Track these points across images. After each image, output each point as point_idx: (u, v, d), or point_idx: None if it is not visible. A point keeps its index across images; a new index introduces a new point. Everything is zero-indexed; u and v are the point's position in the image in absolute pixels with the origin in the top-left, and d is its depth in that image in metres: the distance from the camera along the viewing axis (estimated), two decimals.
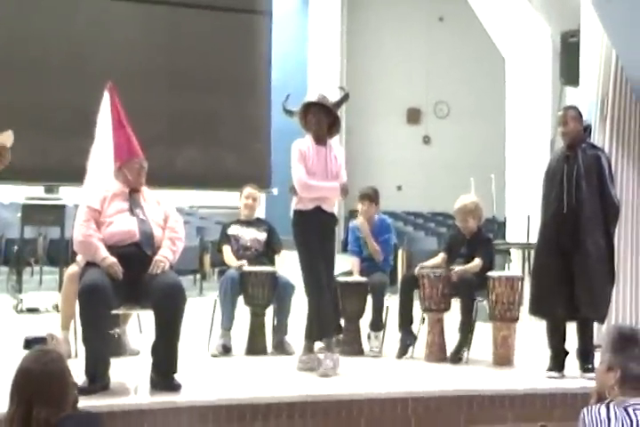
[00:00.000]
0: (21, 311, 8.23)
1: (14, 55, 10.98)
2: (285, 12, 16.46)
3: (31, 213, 9.23)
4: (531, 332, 6.39)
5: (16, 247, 9.85)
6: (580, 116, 5.66)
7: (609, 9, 6.45)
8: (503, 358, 5.96)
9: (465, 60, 16.87)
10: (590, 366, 5.36)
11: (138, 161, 5.25)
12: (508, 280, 6.09)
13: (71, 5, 11.49)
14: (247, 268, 6.29)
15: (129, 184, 5.20)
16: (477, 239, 6.34)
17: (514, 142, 10.15)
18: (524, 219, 9.03)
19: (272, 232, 6.68)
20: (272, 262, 6.53)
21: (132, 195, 5.17)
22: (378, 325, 6.38)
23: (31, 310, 8.22)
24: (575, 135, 5.57)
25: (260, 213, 8.09)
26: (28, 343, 5.35)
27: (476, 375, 5.58)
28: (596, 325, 5.84)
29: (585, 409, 3.02)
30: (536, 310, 5.64)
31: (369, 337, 6.40)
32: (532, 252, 6.80)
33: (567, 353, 5.55)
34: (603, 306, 5.49)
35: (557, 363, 5.51)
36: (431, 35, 17.30)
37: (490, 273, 6.14)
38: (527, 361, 5.96)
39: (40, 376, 2.98)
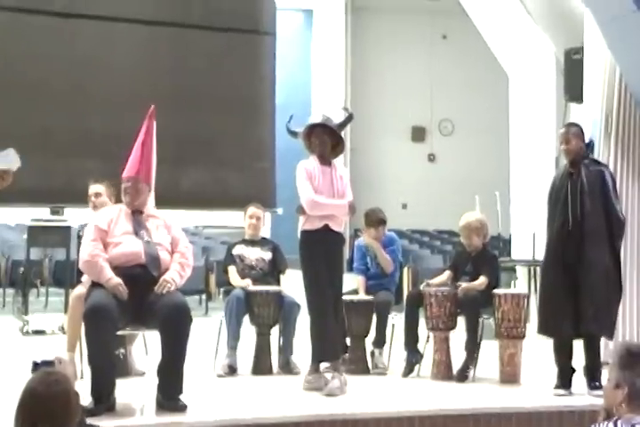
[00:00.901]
0: (27, 333, 8.24)
1: (19, 77, 11.06)
2: (289, 32, 16.57)
3: (37, 234, 9.26)
4: (537, 349, 6.37)
5: (22, 269, 9.87)
6: (582, 132, 5.69)
7: (612, 26, 6.50)
8: (510, 375, 5.95)
9: (469, 78, 16.92)
10: (598, 384, 5.35)
11: (127, 180, 5.21)
12: (514, 297, 6.09)
13: (74, 27, 11.57)
14: (253, 287, 6.30)
15: (127, 205, 5.22)
16: (483, 257, 6.34)
17: (518, 160, 10.18)
18: (529, 236, 9.03)
19: (277, 251, 6.69)
20: (277, 282, 6.54)
21: (136, 216, 5.18)
22: (381, 342, 6.40)
23: (37, 332, 8.22)
24: (577, 152, 5.59)
25: (266, 232, 8.11)
26: (36, 367, 5.34)
27: (483, 393, 5.57)
28: (603, 341, 5.83)
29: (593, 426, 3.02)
30: (544, 328, 5.64)
31: (372, 354, 6.41)
32: (538, 269, 6.81)
33: (574, 371, 5.54)
34: (608, 322, 5.48)
35: (565, 380, 5.50)
36: (435, 53, 17.36)
37: (496, 290, 6.15)
38: (534, 379, 5.94)
39: (45, 398, 2.98)
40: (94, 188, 6.24)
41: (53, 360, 3.75)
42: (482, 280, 6.15)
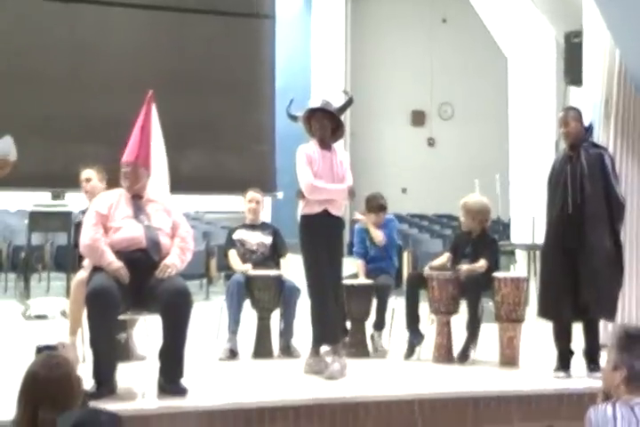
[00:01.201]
0: (30, 318, 8.26)
1: (19, 65, 11.02)
2: (289, 15, 16.50)
3: (38, 219, 9.25)
4: (537, 332, 6.39)
5: (23, 254, 9.89)
6: (581, 115, 5.68)
7: (611, 8, 6.47)
8: (509, 358, 5.97)
9: (468, 62, 16.87)
10: (596, 366, 5.38)
11: (126, 165, 5.20)
12: (514, 281, 6.10)
13: (73, 12, 11.53)
14: (253, 272, 6.31)
15: (126, 189, 5.22)
16: (483, 240, 6.35)
17: (518, 143, 10.16)
18: (528, 220, 9.03)
19: (277, 236, 6.70)
20: (278, 266, 6.55)
21: (136, 201, 5.18)
22: (381, 324, 6.44)
23: (39, 317, 8.24)
24: (577, 135, 5.59)
25: (266, 216, 8.11)
26: (39, 351, 5.36)
27: (483, 376, 5.60)
28: (602, 324, 5.85)
29: (591, 408, 3.04)
30: (544, 312, 5.66)
31: (372, 337, 6.44)
32: (538, 253, 6.82)
33: (573, 353, 5.56)
34: (610, 305, 5.50)
35: (564, 363, 5.52)
36: (434, 36, 17.29)
37: (495, 274, 6.16)
38: (533, 361, 5.97)
39: (45, 380, 3.00)
40: (85, 173, 6.27)
41: (56, 345, 3.77)
42: (482, 263, 6.15)
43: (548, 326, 5.70)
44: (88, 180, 6.20)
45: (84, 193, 6.32)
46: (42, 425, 2.93)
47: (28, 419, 2.96)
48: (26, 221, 9.64)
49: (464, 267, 6.15)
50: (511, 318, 6.02)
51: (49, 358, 3.12)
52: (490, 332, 6.17)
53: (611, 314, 5.55)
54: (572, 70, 8.46)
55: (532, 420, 4.90)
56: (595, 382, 4.89)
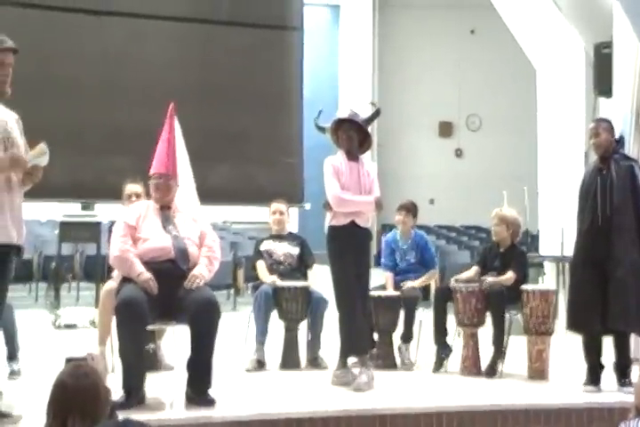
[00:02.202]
0: (59, 327, 8.32)
1: (50, 76, 11.11)
2: (316, 27, 16.54)
3: (68, 230, 9.33)
4: (566, 345, 6.34)
5: (54, 264, 9.98)
6: (612, 127, 5.64)
7: None
8: (538, 371, 5.92)
9: (497, 73, 16.81)
10: (628, 381, 5.32)
11: (158, 177, 5.24)
12: (543, 294, 6.06)
13: (104, 26, 11.62)
14: (281, 283, 6.31)
15: (156, 201, 5.25)
16: (511, 253, 6.33)
17: (546, 155, 10.10)
18: (557, 232, 8.96)
19: (304, 246, 6.70)
20: (305, 277, 6.55)
21: (164, 211, 5.21)
22: (408, 336, 6.42)
23: (69, 326, 8.30)
24: (607, 147, 5.54)
25: (293, 227, 8.10)
26: (69, 363, 5.39)
27: (511, 389, 5.55)
28: (633, 338, 5.78)
29: (622, 424, 3.00)
30: (573, 325, 5.59)
31: (399, 349, 6.41)
32: (567, 265, 6.76)
33: (603, 367, 5.50)
34: (638, 318, 5.43)
35: (594, 377, 5.46)
36: (462, 47, 17.25)
37: (524, 286, 6.12)
38: (563, 375, 5.91)
39: (73, 390, 3.01)
40: (133, 187, 6.10)
41: (85, 357, 3.78)
42: (509, 276, 6.13)
43: (577, 340, 5.64)
44: (138, 195, 6.01)
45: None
46: None
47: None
48: (56, 232, 9.72)
49: (489, 278, 6.12)
50: (540, 330, 5.97)
51: (77, 368, 3.13)
52: (518, 345, 6.13)
53: (637, 328, 5.48)
54: (602, 81, 8.38)
55: None
56: (626, 397, 4.85)
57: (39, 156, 4.31)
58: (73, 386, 3.01)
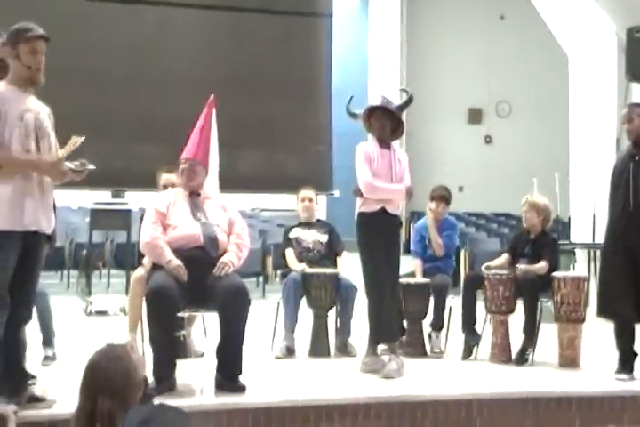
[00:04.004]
0: (90, 314, 8.39)
1: (81, 66, 11.16)
2: (346, 14, 16.46)
3: (99, 217, 9.38)
4: (598, 333, 6.27)
5: (85, 251, 10.05)
6: (638, 113, 5.55)
7: None
8: (569, 359, 5.87)
9: (527, 58, 16.66)
10: None
11: (185, 161, 5.26)
12: (574, 281, 6.00)
13: (133, 14, 11.66)
14: (310, 270, 6.30)
15: (183, 187, 5.26)
16: (543, 240, 6.28)
17: (578, 141, 10.00)
18: (589, 218, 8.88)
19: (333, 234, 6.68)
20: (334, 264, 6.53)
21: (193, 198, 5.22)
22: (439, 324, 6.38)
23: (100, 313, 8.37)
24: (637, 134, 5.46)
25: (322, 215, 8.09)
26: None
27: (542, 377, 5.51)
28: None
29: None
30: (603, 311, 5.54)
31: (430, 337, 6.39)
32: (598, 252, 6.70)
33: (637, 355, 5.44)
34: None
35: (626, 365, 5.40)
36: (492, 33, 17.11)
37: (555, 274, 6.07)
38: (594, 363, 5.86)
39: (105, 371, 3.04)
40: (168, 177, 6.06)
41: (125, 344, 3.81)
42: (542, 264, 6.08)
43: (609, 327, 5.57)
44: (172, 185, 5.90)
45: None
46: (100, 415, 2.97)
47: (89, 409, 3.00)
48: (87, 219, 9.78)
49: (522, 266, 6.08)
50: (571, 318, 5.92)
51: (110, 350, 3.17)
52: (550, 332, 6.08)
53: None
54: (635, 66, 8.29)
55: (594, 422, 4.81)
56: None
57: (73, 147, 4.33)
58: (104, 367, 3.05)
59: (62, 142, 4.38)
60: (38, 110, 4.34)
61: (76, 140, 4.28)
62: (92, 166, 4.35)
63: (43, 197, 4.30)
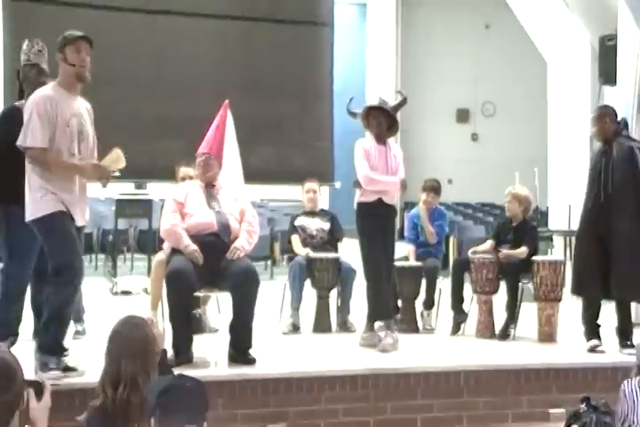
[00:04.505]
0: (116, 293, 8.39)
1: (108, 69, 11.10)
2: (345, 23, 16.40)
3: (123, 207, 9.40)
4: (572, 311, 6.27)
5: (111, 237, 10.06)
6: (609, 113, 5.53)
7: None
8: (547, 334, 5.88)
9: (510, 64, 16.59)
10: (629, 343, 5.26)
11: (201, 155, 5.27)
12: (552, 264, 6.01)
13: (155, 23, 11.64)
14: (313, 254, 6.29)
15: (199, 178, 5.26)
16: (524, 227, 6.27)
17: (555, 139, 9.98)
18: (565, 208, 8.88)
19: (335, 222, 6.67)
20: (335, 249, 6.52)
21: (208, 189, 5.22)
22: (430, 303, 6.39)
23: (124, 293, 8.37)
24: (605, 133, 5.46)
25: (324, 204, 8.06)
26: None
27: (523, 351, 5.51)
28: (634, 305, 5.72)
29: (626, 381, 2.96)
30: (576, 290, 5.59)
31: (422, 315, 6.39)
32: (573, 238, 6.68)
33: (599, 326, 5.45)
34: (634, 287, 5.35)
35: (594, 332, 5.40)
36: (478, 41, 17.04)
37: (534, 258, 6.07)
38: (570, 338, 5.84)
39: (125, 339, 3.08)
40: (186, 170, 6.01)
41: (145, 319, 3.83)
42: (523, 249, 6.09)
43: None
44: (190, 177, 5.84)
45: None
46: (123, 378, 3.00)
47: (113, 373, 3.03)
48: (113, 208, 9.78)
49: (505, 251, 6.08)
50: (549, 297, 5.92)
51: (130, 319, 3.20)
52: (529, 310, 6.07)
53: (636, 295, 5.42)
54: (607, 71, 8.25)
55: (569, 391, 4.79)
56: (628, 358, 4.79)
57: (115, 162, 4.39)
58: (125, 335, 3.09)
59: (104, 147, 4.43)
60: (82, 112, 4.35)
61: (118, 155, 4.35)
62: (117, 173, 4.42)
63: (81, 194, 4.33)
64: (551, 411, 4.78)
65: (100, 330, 5.11)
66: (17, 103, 4.91)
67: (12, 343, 4.58)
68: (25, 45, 4.98)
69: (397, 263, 6.19)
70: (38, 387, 2.50)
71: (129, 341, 3.07)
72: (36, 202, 4.23)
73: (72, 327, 5.46)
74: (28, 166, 4.27)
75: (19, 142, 4.22)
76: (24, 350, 4.20)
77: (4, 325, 4.77)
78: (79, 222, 4.35)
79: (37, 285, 4.79)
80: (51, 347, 4.25)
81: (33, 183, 4.25)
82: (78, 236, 4.36)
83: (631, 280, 5.30)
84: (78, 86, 4.35)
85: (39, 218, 4.23)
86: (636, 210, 5.33)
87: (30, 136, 4.18)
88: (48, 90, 4.29)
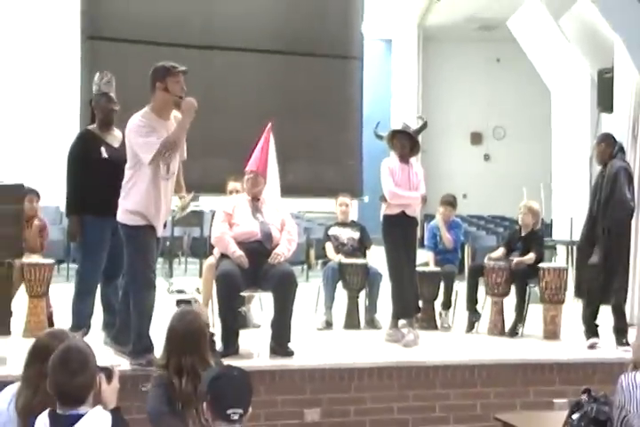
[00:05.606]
0: (172, 292, 8.44)
1: None
2: (374, 57, 16.42)
3: (179, 217, 9.44)
4: (574, 312, 6.19)
5: (168, 243, 10.13)
6: (606, 139, 5.52)
7: (638, 51, 6.26)
8: (551, 333, 5.83)
9: (518, 93, 16.49)
10: (625, 341, 5.19)
11: (250, 172, 5.30)
12: (556, 271, 5.97)
13: (206, 58, 11.78)
14: (345, 260, 6.29)
15: (247, 192, 5.29)
16: (532, 237, 6.24)
17: (559, 158, 9.91)
18: (567, 220, 8.79)
19: (364, 232, 6.67)
20: (364, 256, 6.51)
21: (254, 202, 5.25)
22: (447, 304, 6.36)
23: (179, 291, 8.40)
24: (602, 157, 5.48)
25: (354, 216, 8.06)
26: (178, 303, 5.46)
27: (530, 347, 5.47)
28: (629, 307, 5.67)
29: (623, 375, 2.92)
30: (578, 292, 5.65)
31: (440, 315, 6.35)
32: (575, 247, 6.64)
33: (598, 326, 5.39)
34: (615, 291, 5.33)
35: (592, 330, 5.35)
36: (490, 73, 16.98)
37: (541, 264, 6.04)
38: (571, 336, 5.78)
39: (183, 333, 3.12)
40: (235, 185, 6.00)
41: (190, 300, 3.88)
42: (531, 256, 6.06)
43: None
44: (237, 191, 5.89)
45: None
46: (185, 368, 3.06)
47: (176, 364, 3.09)
48: (170, 218, 9.84)
49: (515, 259, 6.04)
50: (553, 300, 5.88)
51: (184, 315, 3.22)
52: (536, 311, 6.02)
53: (620, 299, 5.38)
54: (604, 100, 8.19)
55: (571, 383, 4.74)
56: (624, 354, 4.73)
57: (188, 206, 4.49)
58: (182, 330, 3.11)
59: None
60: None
61: (191, 197, 4.44)
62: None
63: (166, 199, 4.32)
64: (555, 401, 4.74)
65: (158, 325, 5.18)
66: (89, 127, 5.00)
67: (85, 334, 4.63)
68: (96, 77, 5.05)
69: (419, 268, 6.16)
70: (108, 372, 2.55)
71: (186, 335, 3.10)
72: (127, 213, 4.23)
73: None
74: (128, 184, 4.25)
75: (147, 162, 4.14)
76: (95, 340, 4.24)
77: (80, 318, 4.83)
78: (159, 233, 4.38)
79: (106, 285, 4.89)
80: (146, 347, 4.26)
81: (130, 201, 4.22)
82: (157, 244, 4.38)
83: (613, 285, 5.30)
84: (171, 112, 4.36)
85: (129, 226, 4.24)
86: (608, 224, 5.32)
87: (144, 154, 4.14)
88: (142, 117, 4.22)
